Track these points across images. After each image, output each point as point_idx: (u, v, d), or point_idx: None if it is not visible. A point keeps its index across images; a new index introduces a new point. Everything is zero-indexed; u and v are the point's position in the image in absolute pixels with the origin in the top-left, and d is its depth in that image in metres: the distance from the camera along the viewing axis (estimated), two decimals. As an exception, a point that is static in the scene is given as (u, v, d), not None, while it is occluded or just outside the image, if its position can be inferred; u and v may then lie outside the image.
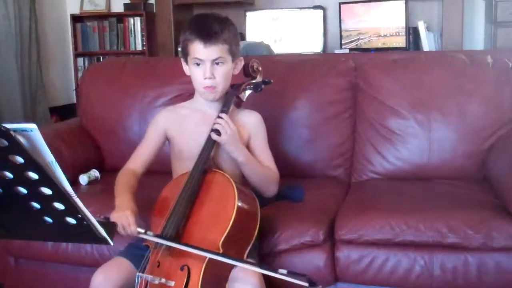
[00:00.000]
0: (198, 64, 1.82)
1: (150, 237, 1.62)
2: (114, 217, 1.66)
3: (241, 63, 1.92)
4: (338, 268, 1.93)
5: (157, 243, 1.62)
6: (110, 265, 1.72)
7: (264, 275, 1.69)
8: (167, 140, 1.97)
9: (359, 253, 1.91)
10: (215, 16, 1.90)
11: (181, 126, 1.94)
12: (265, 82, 2.00)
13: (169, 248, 1.61)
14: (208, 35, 1.79)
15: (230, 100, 1.89)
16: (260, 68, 1.99)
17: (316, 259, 1.93)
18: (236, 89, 1.93)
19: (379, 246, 1.90)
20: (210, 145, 1.81)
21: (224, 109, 1.85)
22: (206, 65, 1.80)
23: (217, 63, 1.81)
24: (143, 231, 1.63)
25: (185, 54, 1.86)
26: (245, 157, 1.85)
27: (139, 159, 1.94)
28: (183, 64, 1.92)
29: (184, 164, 1.85)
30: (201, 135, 1.83)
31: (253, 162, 1.88)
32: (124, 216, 1.65)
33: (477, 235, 1.83)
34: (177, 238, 1.63)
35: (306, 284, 1.44)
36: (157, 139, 1.95)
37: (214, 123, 1.81)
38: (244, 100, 1.96)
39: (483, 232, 1.83)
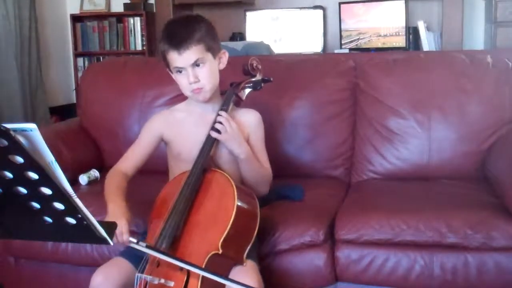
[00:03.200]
0: (180, 72, 1.82)
1: (141, 248, 1.57)
2: None
3: (225, 56, 1.90)
4: (338, 268, 1.93)
5: (157, 242, 1.62)
6: (109, 266, 1.72)
7: (263, 276, 1.70)
8: (162, 142, 1.96)
9: (359, 253, 1.91)
10: (183, 19, 1.89)
11: (178, 129, 1.93)
12: (265, 80, 1.98)
13: (168, 248, 1.61)
14: (179, 43, 1.77)
15: (229, 98, 1.88)
16: (260, 66, 1.98)
17: (316, 259, 1.93)
18: (235, 88, 1.92)
19: (379, 246, 1.90)
20: (210, 143, 1.80)
21: (224, 107, 1.85)
22: (188, 70, 1.79)
23: (198, 65, 1.80)
24: (135, 241, 1.58)
25: (167, 65, 1.86)
26: (247, 154, 1.84)
27: (130, 161, 1.92)
28: (169, 72, 1.90)
29: (183, 165, 1.84)
30: (200, 137, 1.82)
31: (253, 160, 1.87)
32: (118, 224, 1.59)
33: (477, 235, 1.83)
34: (175, 240, 1.63)
35: None
36: (151, 142, 1.94)
37: (214, 122, 1.81)
38: (244, 98, 1.95)
39: (483, 232, 1.83)
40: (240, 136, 1.83)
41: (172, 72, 1.87)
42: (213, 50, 1.83)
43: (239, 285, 1.48)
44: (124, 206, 1.72)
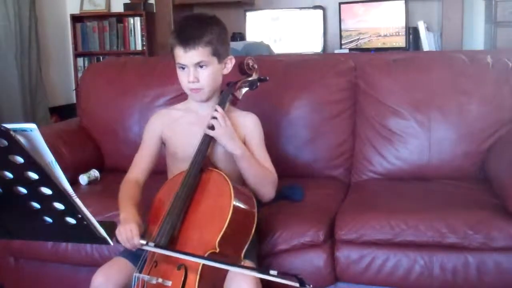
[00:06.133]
0: (183, 68, 1.82)
1: (151, 248, 1.60)
2: (119, 231, 1.65)
3: (231, 62, 1.89)
4: (338, 268, 1.93)
5: (155, 241, 1.62)
6: (110, 266, 1.72)
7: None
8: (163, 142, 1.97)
9: (359, 253, 1.91)
10: (198, 17, 1.89)
11: (175, 127, 1.93)
12: (261, 80, 1.98)
13: (166, 246, 1.61)
14: (186, 40, 1.78)
15: (225, 98, 1.88)
16: (256, 66, 1.98)
17: (316, 259, 1.93)
18: (231, 87, 1.92)
19: (379, 246, 1.90)
20: (207, 142, 1.80)
21: (220, 106, 1.85)
22: (190, 69, 1.80)
23: (201, 66, 1.80)
24: (145, 242, 1.61)
25: (173, 57, 1.86)
26: (242, 151, 1.83)
27: (139, 168, 1.91)
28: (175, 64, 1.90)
29: (179, 165, 1.85)
30: (195, 136, 1.83)
31: (250, 157, 1.86)
32: (128, 229, 1.64)
33: (477, 235, 1.83)
34: (172, 239, 1.63)
35: (297, 285, 1.42)
36: (154, 144, 1.94)
37: (210, 118, 1.81)
38: (240, 98, 1.95)
39: (483, 232, 1.83)
40: (233, 132, 1.82)
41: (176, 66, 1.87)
42: (220, 55, 1.83)
43: (240, 268, 1.49)
44: (133, 212, 1.74)
